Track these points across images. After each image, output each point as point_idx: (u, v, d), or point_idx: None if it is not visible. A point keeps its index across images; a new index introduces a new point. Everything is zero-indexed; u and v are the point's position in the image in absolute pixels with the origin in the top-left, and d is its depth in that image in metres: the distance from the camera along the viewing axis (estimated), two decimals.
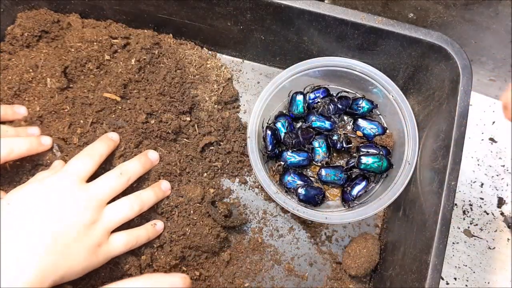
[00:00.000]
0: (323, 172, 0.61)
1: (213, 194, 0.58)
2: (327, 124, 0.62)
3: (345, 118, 0.65)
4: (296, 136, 0.61)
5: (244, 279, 0.60)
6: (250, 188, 0.63)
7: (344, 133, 0.62)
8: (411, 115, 0.58)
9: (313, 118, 0.62)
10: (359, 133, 0.63)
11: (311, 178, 0.62)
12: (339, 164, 0.64)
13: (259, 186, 0.63)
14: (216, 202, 0.58)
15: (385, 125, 0.64)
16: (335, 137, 0.62)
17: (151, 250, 0.52)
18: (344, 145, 0.61)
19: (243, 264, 0.60)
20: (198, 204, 0.56)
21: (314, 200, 0.60)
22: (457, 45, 0.54)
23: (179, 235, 0.54)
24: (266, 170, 0.59)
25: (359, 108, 0.63)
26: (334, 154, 0.64)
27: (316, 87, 0.63)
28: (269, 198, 0.62)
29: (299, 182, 0.60)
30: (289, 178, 0.60)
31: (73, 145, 0.54)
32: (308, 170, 0.64)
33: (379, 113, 0.65)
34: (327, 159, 0.62)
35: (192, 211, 0.55)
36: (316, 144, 0.63)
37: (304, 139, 0.61)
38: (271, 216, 0.63)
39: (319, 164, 0.63)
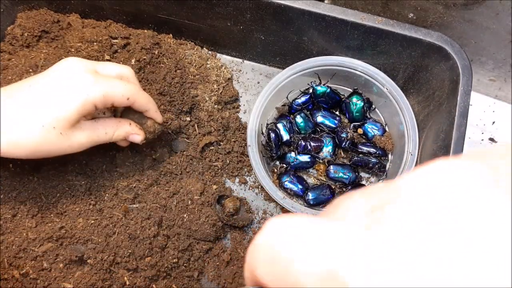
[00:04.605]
0: (332, 168, 0.61)
1: (215, 190, 0.58)
2: (331, 123, 0.62)
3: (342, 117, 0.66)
4: (304, 139, 0.61)
5: (244, 279, 0.59)
6: (250, 188, 0.63)
7: (353, 131, 0.62)
8: (408, 108, 0.58)
9: (318, 115, 0.62)
10: (360, 130, 0.63)
11: (307, 181, 0.62)
12: (347, 162, 0.63)
13: (259, 186, 0.63)
14: (223, 198, 0.58)
15: (385, 127, 0.64)
16: (343, 135, 0.61)
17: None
18: (350, 145, 0.61)
19: (243, 264, 0.60)
20: (196, 197, 0.56)
21: (325, 197, 0.60)
22: (457, 45, 0.54)
23: (176, 222, 0.54)
24: (270, 176, 0.59)
25: (354, 108, 0.63)
26: (339, 153, 0.64)
27: (301, 93, 0.63)
28: (269, 198, 0.62)
29: (299, 185, 0.60)
30: (287, 179, 0.60)
31: None
32: (310, 170, 0.64)
33: (374, 107, 0.65)
34: (329, 157, 0.62)
35: (189, 202, 0.55)
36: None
37: (312, 147, 0.61)
38: (271, 216, 0.62)
39: (321, 161, 0.63)
